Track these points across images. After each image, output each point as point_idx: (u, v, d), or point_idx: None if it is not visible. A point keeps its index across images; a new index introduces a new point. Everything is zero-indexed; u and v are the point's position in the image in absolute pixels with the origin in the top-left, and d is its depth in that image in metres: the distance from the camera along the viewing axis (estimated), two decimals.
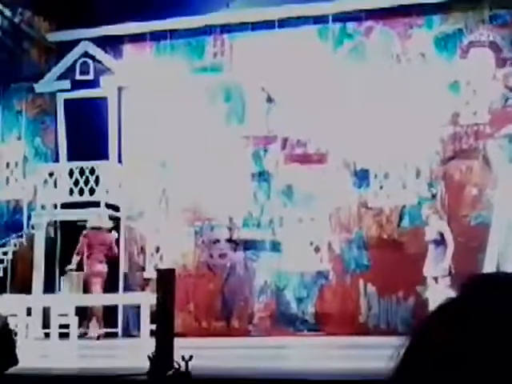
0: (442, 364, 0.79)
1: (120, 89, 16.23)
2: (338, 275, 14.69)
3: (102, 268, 14.53)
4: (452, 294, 0.88)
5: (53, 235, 15.97)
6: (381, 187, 14.81)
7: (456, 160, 14.45)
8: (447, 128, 14.48)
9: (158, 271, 7.04)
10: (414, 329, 0.84)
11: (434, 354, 0.80)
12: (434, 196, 14.43)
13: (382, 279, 14.21)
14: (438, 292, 12.62)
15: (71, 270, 14.54)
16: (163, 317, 6.63)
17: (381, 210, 14.69)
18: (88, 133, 15.85)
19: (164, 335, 6.53)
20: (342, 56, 15.20)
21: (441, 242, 12.97)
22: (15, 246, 16.24)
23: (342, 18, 15.09)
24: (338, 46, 15.27)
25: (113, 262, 14.83)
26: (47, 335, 13.68)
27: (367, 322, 14.44)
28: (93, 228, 14.73)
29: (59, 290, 15.22)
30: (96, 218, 14.85)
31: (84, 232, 14.69)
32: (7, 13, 17.77)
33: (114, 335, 14.88)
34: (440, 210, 13.92)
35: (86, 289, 14.38)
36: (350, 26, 15.26)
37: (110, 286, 14.97)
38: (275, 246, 15.12)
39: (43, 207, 15.82)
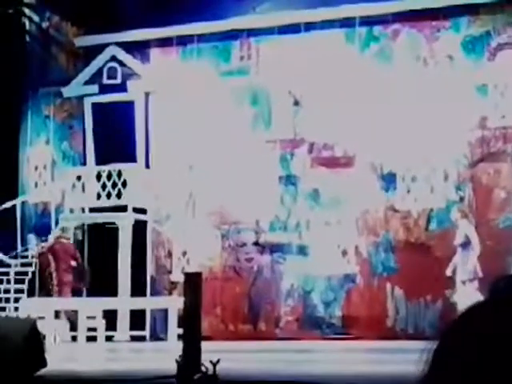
0: (468, 373, 0.78)
1: (147, 93, 16.30)
2: (365, 278, 14.64)
3: (70, 278, 14.90)
4: (480, 297, 0.88)
5: (80, 238, 16.05)
6: (408, 190, 14.75)
7: (484, 163, 14.36)
8: (475, 131, 14.39)
9: (186, 275, 7.05)
10: (441, 334, 0.83)
11: (459, 361, 0.80)
12: (461, 199, 14.35)
13: (410, 282, 14.15)
14: (466, 295, 12.55)
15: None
16: (190, 320, 6.64)
17: (408, 214, 14.63)
18: (115, 137, 15.93)
19: (191, 339, 6.54)
20: (369, 59, 15.16)
21: (468, 245, 12.93)
22: (43, 248, 16.32)
23: (369, 21, 15.05)
24: (365, 49, 15.23)
25: (79, 270, 15.08)
26: (74, 338, 13.75)
27: (394, 326, 14.37)
28: (57, 238, 15.10)
29: (87, 293, 15.31)
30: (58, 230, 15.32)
31: (47, 246, 15.02)
32: (35, 18, 17.91)
33: (142, 338, 14.93)
34: (468, 213, 13.83)
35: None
36: (377, 28, 15.21)
37: (137, 289, 15.03)
38: (302, 250, 15.09)
39: (71, 211, 15.91)
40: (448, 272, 12.92)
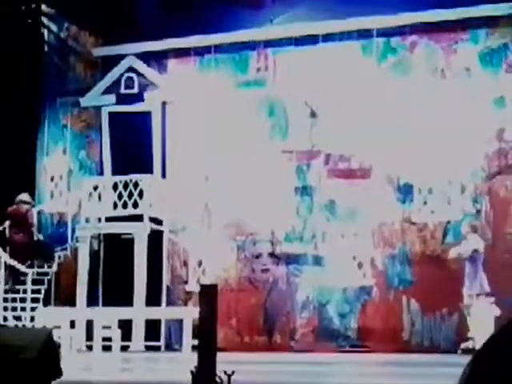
0: None
1: (164, 103, 16.33)
2: (381, 291, 14.59)
3: (22, 238, 15.89)
4: (496, 311, 0.87)
5: (96, 248, 16.09)
6: (425, 203, 14.70)
7: (501, 176, 14.30)
8: (492, 143, 14.34)
9: (201, 286, 7.04)
10: (474, 357, 0.82)
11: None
12: (478, 212, 14.29)
13: (426, 295, 14.08)
14: (480, 310, 12.50)
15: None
16: (206, 332, 6.63)
17: (425, 226, 14.58)
18: (132, 146, 15.97)
19: (206, 350, 6.53)
20: (386, 71, 15.15)
21: (476, 259, 12.90)
22: (59, 258, 16.39)
23: (386, 32, 15.05)
24: (382, 61, 15.22)
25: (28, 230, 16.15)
26: (90, 347, 13.76)
27: (410, 339, 14.30)
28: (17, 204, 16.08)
29: (103, 302, 15.33)
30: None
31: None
32: (54, 28, 18.01)
33: (157, 348, 14.93)
34: (478, 227, 13.76)
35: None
36: (394, 40, 15.20)
37: (153, 299, 15.04)
38: (318, 261, 15.06)
39: (87, 220, 15.95)
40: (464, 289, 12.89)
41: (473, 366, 0.83)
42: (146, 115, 16.28)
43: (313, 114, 15.39)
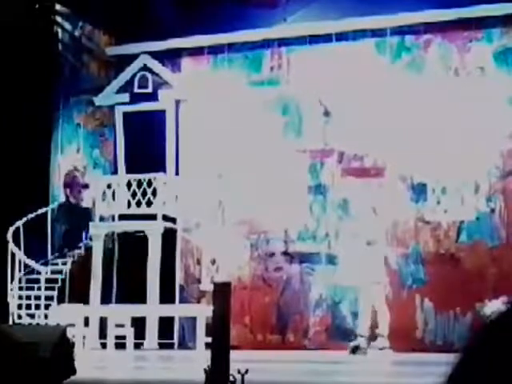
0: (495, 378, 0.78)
1: (178, 102, 16.36)
2: (394, 290, 14.57)
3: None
4: None
5: (110, 246, 16.13)
6: (438, 202, 14.67)
7: None
8: (506, 142, 14.29)
9: (215, 285, 7.05)
10: (464, 346, 0.83)
11: (482, 373, 0.79)
12: (492, 211, 14.24)
13: (439, 295, 14.06)
14: (497, 309, 12.44)
15: None
16: (219, 330, 6.64)
17: (438, 225, 14.54)
18: (146, 145, 16.01)
19: (220, 348, 6.54)
20: (400, 69, 15.12)
21: None
22: (73, 256, 16.45)
23: (400, 31, 15.02)
24: (396, 60, 15.19)
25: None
26: (104, 345, 13.80)
27: (424, 338, 14.28)
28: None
29: (116, 300, 15.38)
30: None
31: None
32: (68, 27, 18.07)
33: (170, 346, 14.96)
34: (499, 225, 13.73)
35: None
36: (408, 39, 15.17)
37: (166, 297, 15.08)
38: (331, 260, 15.06)
39: (102, 219, 16.00)
40: None
41: (464, 356, 0.84)
42: (160, 114, 16.31)
43: (326, 113, 15.38)
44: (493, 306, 12.62)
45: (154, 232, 15.33)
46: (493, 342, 0.80)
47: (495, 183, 14.33)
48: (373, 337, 13.16)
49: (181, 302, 15.52)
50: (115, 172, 16.62)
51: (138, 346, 13.99)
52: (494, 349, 0.79)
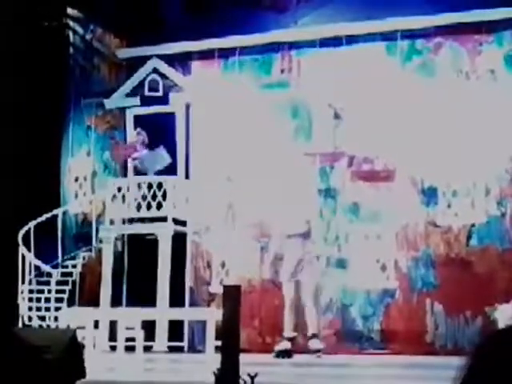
0: None
1: (188, 105, 16.38)
2: (404, 293, 14.55)
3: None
4: None
5: (120, 249, 16.16)
6: (449, 205, 14.64)
7: None
8: None
9: (224, 288, 7.05)
10: (473, 351, 0.83)
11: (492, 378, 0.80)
12: (503, 215, 14.21)
13: (450, 298, 14.03)
14: (507, 313, 12.42)
15: None
16: (229, 333, 6.64)
17: (449, 229, 14.51)
18: (156, 148, 16.02)
19: (229, 351, 6.54)
20: (411, 72, 15.10)
21: None
22: (84, 259, 16.49)
23: (411, 34, 15.00)
24: (407, 63, 15.18)
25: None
26: (113, 348, 13.81)
27: (434, 342, 14.25)
28: None
29: (126, 303, 15.40)
30: None
31: None
32: (79, 30, 18.12)
33: (180, 349, 14.96)
34: (509, 229, 13.70)
35: None
36: (419, 42, 15.16)
37: (176, 300, 15.08)
38: (341, 263, 15.04)
39: (112, 221, 16.02)
40: None
41: (474, 358, 0.84)
42: (170, 117, 16.33)
43: (336, 116, 15.37)
44: (503, 310, 12.58)
45: (164, 235, 15.34)
46: (503, 348, 0.80)
47: (506, 187, 14.30)
48: (306, 338, 13.06)
49: (190, 304, 15.52)
50: (125, 175, 16.65)
51: (147, 348, 13.98)
52: (503, 354, 0.79)
